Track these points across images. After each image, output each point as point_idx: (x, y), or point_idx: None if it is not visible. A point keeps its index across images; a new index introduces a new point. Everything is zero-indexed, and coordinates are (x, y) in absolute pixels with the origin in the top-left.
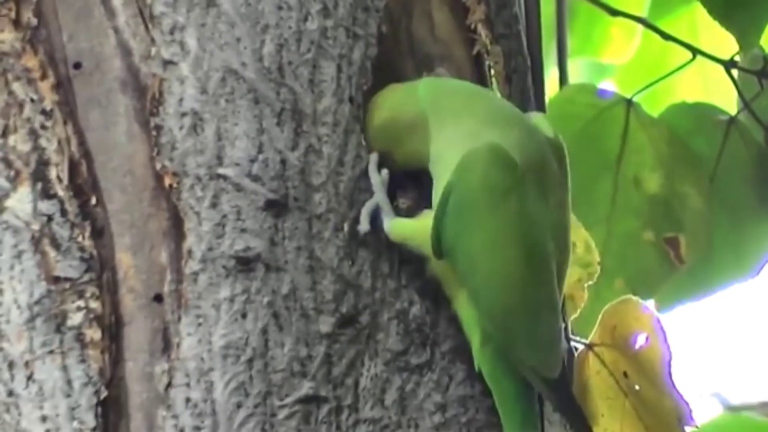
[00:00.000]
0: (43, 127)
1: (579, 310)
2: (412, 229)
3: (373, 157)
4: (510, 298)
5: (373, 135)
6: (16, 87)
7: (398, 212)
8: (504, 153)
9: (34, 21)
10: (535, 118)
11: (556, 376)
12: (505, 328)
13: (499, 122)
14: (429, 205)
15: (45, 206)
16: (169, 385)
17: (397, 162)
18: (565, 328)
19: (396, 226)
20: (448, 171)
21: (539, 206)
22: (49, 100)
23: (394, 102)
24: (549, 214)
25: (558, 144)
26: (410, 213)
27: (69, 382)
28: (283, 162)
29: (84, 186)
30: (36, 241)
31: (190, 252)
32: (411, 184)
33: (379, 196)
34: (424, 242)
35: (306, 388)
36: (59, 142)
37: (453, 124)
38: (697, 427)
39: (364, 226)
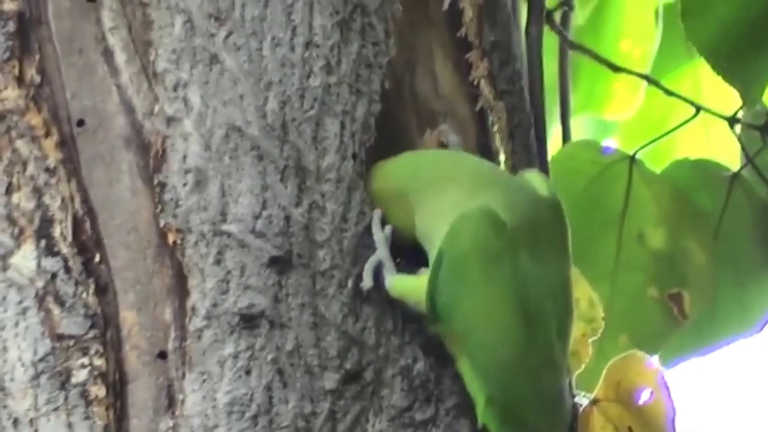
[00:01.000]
0: (46, 184)
1: (583, 366)
2: (413, 287)
3: (377, 213)
4: (508, 360)
5: (375, 196)
6: (20, 144)
7: (401, 270)
8: (493, 215)
9: (38, 78)
10: (529, 176)
11: None
12: (505, 389)
13: (486, 186)
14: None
15: (49, 263)
16: None
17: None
18: (570, 384)
19: (397, 283)
20: (438, 240)
21: (533, 266)
22: (53, 158)
23: (381, 173)
24: (545, 272)
25: (554, 201)
26: (416, 270)
27: None
28: (287, 218)
29: (88, 243)
30: (40, 299)
31: (194, 309)
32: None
33: (382, 253)
34: (423, 300)
35: None
36: (63, 200)
37: (437, 197)
38: None
39: (367, 282)
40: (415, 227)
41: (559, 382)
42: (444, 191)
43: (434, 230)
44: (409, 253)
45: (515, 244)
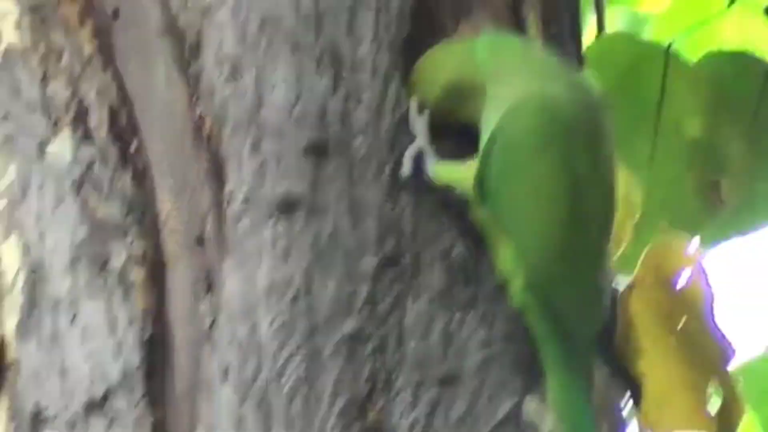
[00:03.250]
0: (82, 74)
1: (622, 249)
2: (457, 173)
3: (414, 103)
4: (552, 245)
5: (423, 94)
6: (55, 35)
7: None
8: (551, 102)
9: None
10: (584, 74)
11: (598, 329)
12: (546, 274)
13: (550, 78)
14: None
15: (85, 152)
16: (213, 324)
17: (441, 115)
18: (610, 274)
19: (441, 170)
20: (494, 123)
21: (585, 157)
22: (88, 48)
23: (452, 66)
24: (594, 167)
25: (604, 101)
26: (452, 157)
27: (114, 321)
28: (323, 107)
29: (124, 131)
30: (77, 186)
31: (231, 195)
32: (451, 131)
33: (422, 140)
34: (469, 186)
35: (350, 325)
36: (98, 89)
37: (508, 83)
38: (738, 365)
39: (406, 169)
40: (482, 115)
41: (599, 274)
42: (515, 78)
43: (495, 113)
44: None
45: (570, 134)
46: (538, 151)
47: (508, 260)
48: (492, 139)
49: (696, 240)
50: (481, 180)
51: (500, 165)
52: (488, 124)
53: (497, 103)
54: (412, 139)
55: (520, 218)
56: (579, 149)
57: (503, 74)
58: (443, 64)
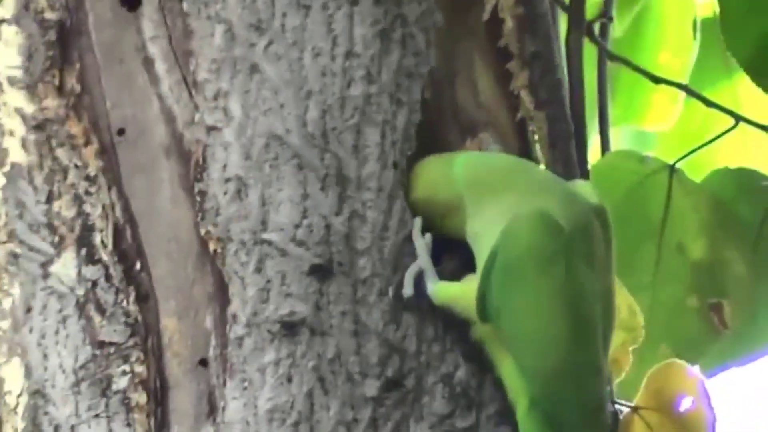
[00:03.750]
0: (87, 192)
1: (624, 374)
2: (457, 293)
3: (417, 222)
4: (555, 362)
5: (412, 205)
6: (60, 153)
7: (442, 277)
8: (550, 218)
9: (78, 88)
10: (579, 185)
11: None
12: (550, 392)
13: (542, 192)
14: (472, 271)
15: (89, 271)
16: None
17: (439, 229)
18: (610, 392)
19: (441, 290)
20: (491, 240)
21: (585, 271)
22: (93, 166)
23: (430, 179)
24: (595, 279)
25: (602, 211)
26: (455, 277)
27: None
28: (328, 227)
29: (129, 251)
30: (81, 306)
31: (234, 317)
32: (456, 248)
33: (423, 260)
34: (470, 306)
35: None
36: (103, 208)
37: (492, 202)
38: None
39: (408, 290)
40: (466, 231)
41: (602, 389)
42: (501, 195)
43: (488, 232)
44: (446, 264)
45: (569, 249)
46: (538, 268)
47: (512, 379)
48: (492, 257)
49: (696, 367)
50: (482, 298)
51: (501, 283)
52: (482, 240)
53: (489, 219)
54: (415, 258)
55: (523, 335)
56: (579, 263)
57: (487, 190)
58: (420, 176)
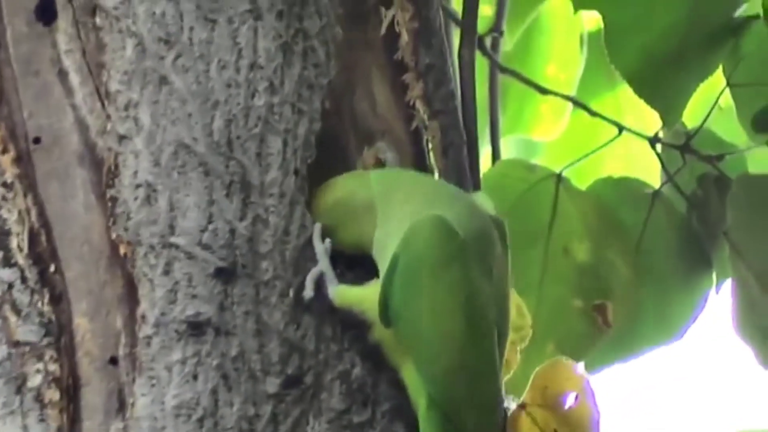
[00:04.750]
0: (3, 198)
1: (512, 372)
2: (358, 296)
3: (317, 227)
4: (453, 363)
5: (320, 212)
6: None
7: (342, 281)
8: (446, 223)
9: None
10: (478, 197)
11: None
12: (446, 392)
13: (442, 201)
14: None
15: (6, 274)
16: None
17: (340, 242)
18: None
19: (341, 293)
20: (393, 246)
21: (480, 276)
22: (10, 173)
23: (347, 186)
24: (490, 284)
25: (499, 221)
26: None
27: None
28: (232, 231)
29: (43, 254)
30: None
31: (143, 317)
32: (352, 263)
33: (323, 264)
34: (369, 309)
35: None
36: (19, 213)
37: (398, 211)
38: None
39: (308, 292)
40: (374, 238)
41: (497, 388)
42: (405, 204)
43: (391, 238)
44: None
45: (465, 254)
46: (436, 270)
47: (412, 380)
48: (393, 262)
49: (581, 364)
50: (384, 302)
51: (400, 287)
52: (385, 246)
53: (393, 227)
54: (316, 262)
55: (420, 337)
56: (475, 268)
57: (395, 201)
58: (339, 189)
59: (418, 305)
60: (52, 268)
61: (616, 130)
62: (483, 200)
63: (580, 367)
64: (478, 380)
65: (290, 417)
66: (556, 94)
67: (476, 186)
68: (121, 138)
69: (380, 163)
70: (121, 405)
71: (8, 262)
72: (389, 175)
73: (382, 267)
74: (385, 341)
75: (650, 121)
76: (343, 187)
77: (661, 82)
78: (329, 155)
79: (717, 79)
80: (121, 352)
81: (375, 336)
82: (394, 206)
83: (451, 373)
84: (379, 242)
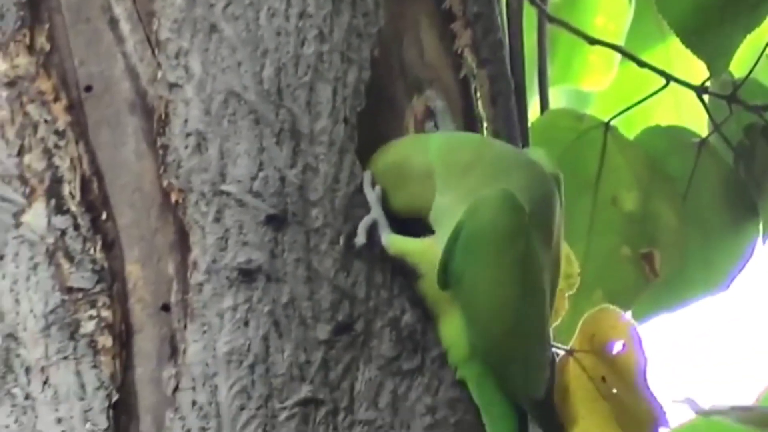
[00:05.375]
0: (56, 146)
1: (560, 319)
2: (413, 248)
3: (367, 175)
4: (507, 326)
5: (375, 173)
6: (31, 109)
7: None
8: (513, 199)
9: (47, 46)
10: (536, 153)
11: (541, 396)
12: (500, 354)
13: (507, 169)
14: None
15: (59, 221)
16: (176, 388)
17: (390, 205)
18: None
19: (396, 242)
20: (455, 219)
21: (542, 245)
22: (62, 121)
23: (404, 151)
24: (550, 249)
25: (558, 176)
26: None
27: (82, 387)
28: (282, 179)
29: (95, 202)
30: (50, 254)
31: (195, 264)
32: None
33: (376, 212)
34: (423, 261)
35: (305, 391)
36: (71, 161)
37: (461, 179)
38: (670, 430)
39: (361, 239)
40: (432, 206)
41: (546, 351)
42: (468, 174)
43: (454, 208)
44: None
45: (528, 229)
46: (500, 244)
47: (453, 333)
48: (457, 231)
49: (628, 312)
50: (445, 266)
51: (464, 254)
52: (447, 214)
53: (456, 196)
54: (365, 210)
55: (479, 302)
56: (536, 238)
57: (457, 169)
58: (395, 153)
59: (479, 273)
60: (104, 216)
61: (663, 81)
62: (540, 157)
63: (627, 315)
64: (528, 342)
65: (341, 363)
66: (604, 44)
67: (524, 135)
68: (172, 86)
69: (429, 112)
70: (173, 351)
71: (61, 210)
72: (450, 141)
73: (441, 232)
74: (430, 294)
75: (698, 71)
76: (399, 151)
77: (708, 32)
78: (379, 104)
79: (764, 29)
80: (173, 298)
81: (421, 288)
82: (456, 175)
83: (506, 337)
84: (438, 209)
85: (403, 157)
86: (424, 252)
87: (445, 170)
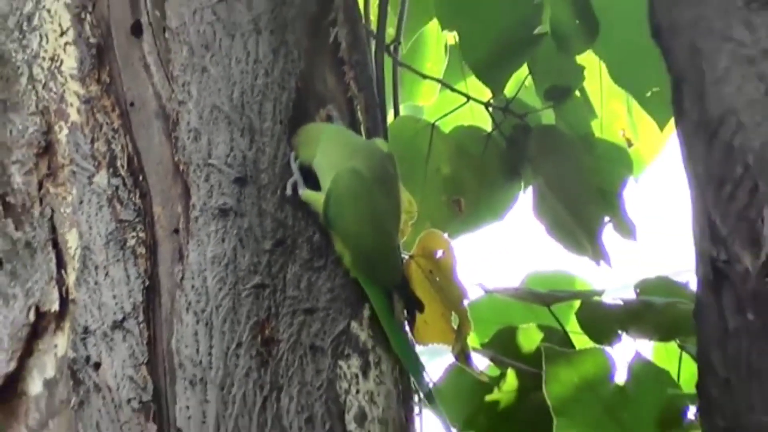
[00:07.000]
0: (113, 138)
1: (405, 237)
2: (314, 198)
3: (293, 155)
4: (366, 244)
5: (295, 143)
6: (99, 116)
7: (308, 186)
8: (358, 172)
9: (108, 79)
10: (377, 141)
11: (399, 282)
12: (365, 257)
13: (356, 150)
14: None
15: (114, 181)
16: (182, 278)
17: (300, 158)
18: (399, 249)
19: (306, 194)
20: (327, 178)
21: (382, 197)
22: (116, 123)
23: (309, 131)
24: (389, 197)
25: (390, 155)
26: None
27: (128, 277)
28: (244, 157)
29: (135, 170)
30: (109, 200)
31: (193, 206)
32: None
33: (297, 175)
34: (318, 207)
35: (257, 279)
36: (122, 147)
37: (331, 150)
38: (469, 302)
39: (288, 191)
40: (314, 162)
41: (398, 255)
42: (335, 148)
43: (325, 172)
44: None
45: (372, 188)
46: (353, 201)
47: (340, 248)
48: (328, 193)
49: (446, 234)
50: (324, 214)
51: (333, 207)
52: (322, 174)
53: (327, 162)
54: (291, 174)
55: (348, 233)
56: (377, 192)
57: (330, 145)
58: (305, 131)
59: (344, 217)
60: (140, 178)
61: (464, 99)
62: (380, 143)
63: (445, 235)
64: (383, 249)
65: (278, 263)
66: (431, 78)
67: (385, 132)
68: (180, 103)
69: (329, 118)
70: (180, 257)
71: (116, 173)
72: (333, 129)
73: (323, 185)
74: (325, 225)
75: (487, 93)
76: (307, 130)
77: (492, 71)
78: (300, 113)
79: (524, 70)
80: (181, 226)
81: (321, 220)
82: (328, 147)
83: (367, 247)
84: (317, 166)
85: (306, 138)
86: (318, 201)
87: (324, 143)
